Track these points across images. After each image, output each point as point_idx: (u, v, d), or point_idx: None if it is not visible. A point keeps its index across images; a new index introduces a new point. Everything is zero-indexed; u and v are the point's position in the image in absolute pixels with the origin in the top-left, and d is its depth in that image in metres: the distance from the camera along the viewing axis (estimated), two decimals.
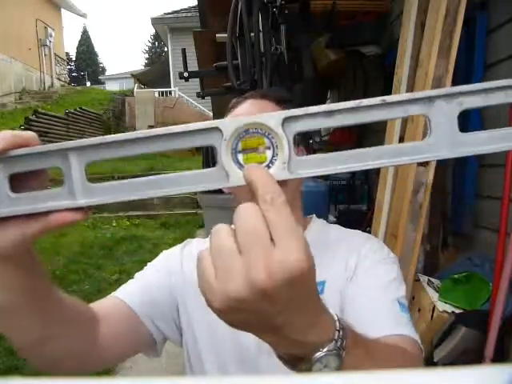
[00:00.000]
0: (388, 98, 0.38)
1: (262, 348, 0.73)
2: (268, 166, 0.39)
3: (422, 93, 0.38)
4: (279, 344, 0.39)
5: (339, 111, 0.38)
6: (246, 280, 0.33)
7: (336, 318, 0.40)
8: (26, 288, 0.50)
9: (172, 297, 0.79)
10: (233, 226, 0.36)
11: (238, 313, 0.35)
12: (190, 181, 0.40)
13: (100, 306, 0.71)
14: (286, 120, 0.39)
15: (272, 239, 0.34)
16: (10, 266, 0.46)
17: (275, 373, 0.72)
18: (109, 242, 5.35)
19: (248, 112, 0.79)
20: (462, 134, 0.38)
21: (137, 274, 0.82)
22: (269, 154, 0.39)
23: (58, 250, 4.89)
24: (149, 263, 0.85)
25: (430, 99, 0.38)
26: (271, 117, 0.39)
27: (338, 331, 0.39)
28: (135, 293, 0.76)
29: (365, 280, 0.72)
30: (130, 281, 0.81)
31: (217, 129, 0.39)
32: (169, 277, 0.80)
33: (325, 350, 0.38)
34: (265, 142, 0.39)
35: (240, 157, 0.39)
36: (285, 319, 0.36)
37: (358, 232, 0.85)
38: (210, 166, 0.42)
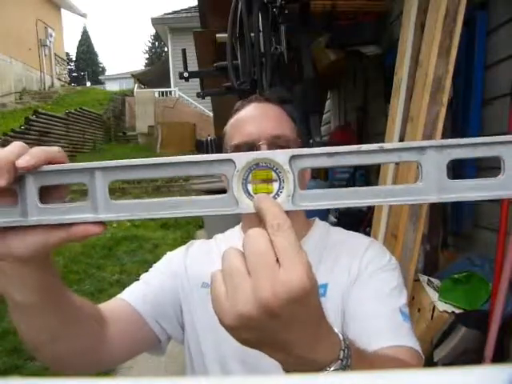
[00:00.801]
0: (385, 146, 0.42)
1: None
2: (274, 197, 0.43)
3: (416, 143, 0.42)
4: (288, 362, 0.41)
5: (340, 154, 0.42)
6: (253, 298, 0.36)
7: (341, 338, 0.42)
8: (43, 288, 0.53)
9: (176, 297, 0.81)
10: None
11: (248, 330, 0.37)
12: (204, 205, 0.44)
13: (106, 307, 0.73)
14: (293, 157, 0.43)
15: (278, 261, 0.36)
16: (31, 267, 0.50)
17: (276, 372, 0.72)
18: (109, 242, 5.35)
19: (252, 114, 0.80)
20: (450, 180, 0.42)
21: (142, 276, 0.84)
22: (276, 186, 0.43)
23: (59, 249, 4.88)
24: (154, 265, 0.87)
25: (422, 149, 0.42)
26: (280, 154, 0.43)
27: (343, 350, 0.41)
28: (140, 295, 0.78)
29: (366, 290, 0.72)
30: (135, 282, 0.83)
31: (230, 160, 0.43)
32: (173, 278, 0.82)
33: (331, 369, 0.40)
34: (273, 175, 0.43)
35: (249, 187, 0.44)
36: (291, 336, 0.38)
37: (360, 236, 0.85)
38: None
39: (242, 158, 0.43)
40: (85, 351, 0.66)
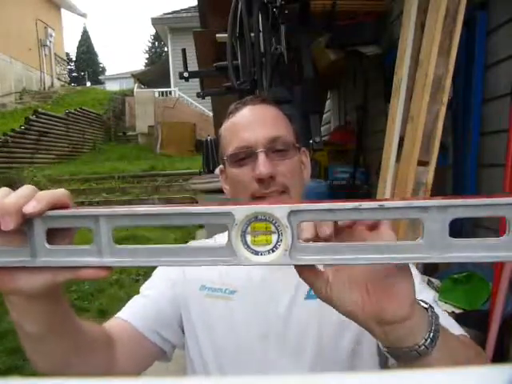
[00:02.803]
0: (386, 204, 0.42)
1: (264, 351, 0.73)
2: (272, 250, 0.44)
3: (418, 202, 0.42)
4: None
5: (340, 210, 0.43)
6: None
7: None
8: (52, 320, 0.56)
9: (175, 305, 0.81)
10: None
11: None
12: (204, 254, 0.45)
13: (108, 327, 0.74)
14: (292, 212, 0.43)
15: None
16: (39, 302, 0.52)
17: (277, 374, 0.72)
18: None
19: (248, 118, 0.78)
20: (452, 239, 0.42)
21: (142, 288, 0.84)
22: (274, 238, 0.44)
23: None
24: (153, 272, 0.87)
25: (424, 208, 0.42)
26: (279, 209, 0.44)
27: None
28: (139, 311, 0.78)
29: None
30: (135, 297, 0.83)
31: (230, 213, 0.44)
32: (171, 286, 0.82)
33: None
34: (271, 227, 0.44)
35: (248, 238, 0.44)
36: None
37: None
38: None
39: (241, 212, 0.44)
40: (94, 373, 0.67)
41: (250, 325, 0.75)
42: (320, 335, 0.72)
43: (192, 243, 0.90)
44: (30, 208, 0.45)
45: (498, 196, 0.41)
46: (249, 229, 0.45)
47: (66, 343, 0.60)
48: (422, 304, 0.50)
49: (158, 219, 0.45)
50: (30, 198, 0.46)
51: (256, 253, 0.45)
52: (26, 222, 0.46)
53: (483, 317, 1.53)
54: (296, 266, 0.47)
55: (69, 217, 0.47)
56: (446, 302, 1.63)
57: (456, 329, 0.63)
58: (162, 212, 0.45)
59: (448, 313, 1.58)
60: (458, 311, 1.58)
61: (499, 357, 1.49)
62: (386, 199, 0.43)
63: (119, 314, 0.78)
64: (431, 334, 0.47)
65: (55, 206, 0.47)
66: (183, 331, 0.81)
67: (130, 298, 0.84)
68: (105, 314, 3.27)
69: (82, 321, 0.63)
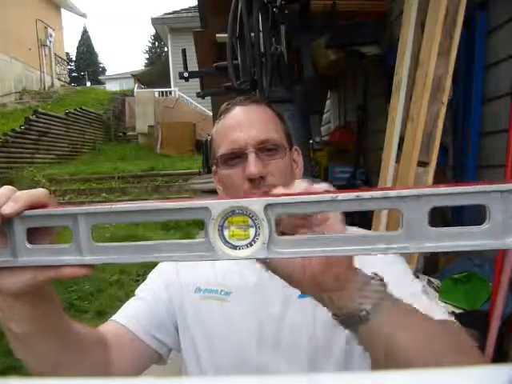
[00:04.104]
0: (362, 195, 0.42)
1: (259, 351, 0.73)
2: (250, 244, 0.44)
3: (395, 192, 0.41)
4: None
5: (317, 202, 0.43)
6: None
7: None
8: (38, 318, 0.56)
9: (170, 308, 0.81)
10: None
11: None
12: (183, 249, 0.46)
13: (103, 330, 0.74)
14: (268, 206, 0.44)
15: None
16: (23, 301, 0.53)
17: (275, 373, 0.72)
18: (109, 242, 5.34)
19: (237, 120, 0.78)
20: (432, 228, 0.42)
21: (137, 291, 0.85)
22: (252, 232, 0.44)
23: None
24: (149, 275, 0.87)
25: (402, 198, 0.41)
26: (255, 202, 0.44)
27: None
28: (134, 314, 0.79)
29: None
30: (130, 299, 0.83)
31: (206, 208, 0.44)
32: (165, 289, 0.82)
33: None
34: (249, 221, 0.44)
35: (226, 232, 0.44)
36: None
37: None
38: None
39: (218, 206, 0.44)
40: (88, 375, 0.67)
41: (244, 325, 0.75)
42: (314, 334, 0.72)
43: None
44: (8, 208, 0.46)
45: (477, 184, 0.40)
46: (226, 223, 0.44)
47: (56, 343, 0.60)
48: (367, 273, 0.52)
49: (136, 216, 0.46)
50: (7, 199, 0.46)
51: (234, 247, 0.44)
52: (6, 222, 0.47)
53: (483, 317, 1.53)
54: None
55: (47, 216, 0.47)
56: (446, 302, 1.63)
57: (440, 316, 0.62)
58: (139, 209, 0.45)
59: (448, 313, 1.58)
60: (458, 311, 1.58)
61: (499, 357, 1.49)
62: (363, 189, 0.43)
63: (114, 317, 0.79)
64: (374, 301, 0.49)
65: (33, 206, 0.47)
66: (178, 331, 0.81)
67: (129, 298, 0.84)
68: (104, 314, 3.27)
69: (74, 322, 0.64)
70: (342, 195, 0.42)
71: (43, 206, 0.48)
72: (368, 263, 0.78)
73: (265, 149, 0.75)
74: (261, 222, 0.44)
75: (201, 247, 0.45)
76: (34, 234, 0.48)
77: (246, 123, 0.77)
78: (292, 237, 0.45)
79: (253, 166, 0.72)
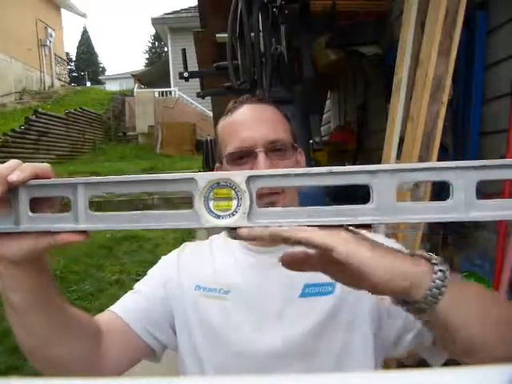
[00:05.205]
0: (334, 169, 0.46)
1: (258, 350, 0.73)
2: (232, 214, 0.48)
3: (366, 166, 0.45)
4: None
5: (294, 175, 0.47)
6: None
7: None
8: (36, 289, 0.59)
9: (166, 305, 0.81)
10: None
11: None
12: (171, 219, 0.49)
13: (99, 320, 0.74)
14: (251, 178, 0.48)
15: None
16: (23, 269, 0.56)
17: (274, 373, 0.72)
18: (109, 242, 5.35)
19: (246, 118, 0.79)
20: (400, 202, 0.45)
21: (135, 285, 0.85)
22: (234, 203, 0.48)
23: (58, 250, 4.89)
24: (148, 271, 0.87)
25: (372, 173, 0.45)
26: (237, 174, 0.48)
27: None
28: (131, 307, 0.79)
29: None
30: (128, 293, 0.83)
31: (193, 179, 0.48)
32: (163, 286, 0.82)
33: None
34: (232, 193, 0.48)
35: (211, 203, 0.48)
36: None
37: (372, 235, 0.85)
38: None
39: (204, 178, 0.48)
40: (77, 359, 0.67)
41: (243, 324, 0.75)
42: (313, 333, 0.72)
43: (189, 244, 0.90)
44: (15, 176, 0.49)
45: (443, 162, 0.43)
46: (211, 195, 0.48)
47: (48, 319, 0.62)
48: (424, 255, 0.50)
49: (130, 186, 0.50)
50: (14, 169, 0.50)
51: (217, 216, 0.48)
52: (12, 191, 0.50)
53: None
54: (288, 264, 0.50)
55: (50, 186, 0.51)
56: None
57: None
58: (132, 179, 0.50)
59: None
60: None
61: None
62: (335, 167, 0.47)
63: (111, 308, 0.79)
64: (438, 284, 0.47)
65: (38, 177, 0.51)
66: (174, 331, 0.81)
67: None
68: None
69: (67, 303, 0.66)
70: (315, 169, 0.46)
71: (46, 177, 0.52)
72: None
73: (274, 149, 0.75)
74: (243, 193, 0.47)
75: (187, 216, 0.49)
76: (37, 206, 0.52)
77: (255, 122, 0.77)
78: (271, 208, 0.48)
79: (262, 165, 0.73)
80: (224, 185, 0.48)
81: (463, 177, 0.43)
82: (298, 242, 0.46)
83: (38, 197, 0.52)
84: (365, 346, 0.74)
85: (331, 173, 0.45)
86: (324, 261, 0.48)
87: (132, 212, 0.50)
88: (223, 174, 0.48)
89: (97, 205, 5.64)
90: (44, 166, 0.52)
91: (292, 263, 0.51)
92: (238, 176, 0.47)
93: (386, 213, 0.45)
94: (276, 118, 0.80)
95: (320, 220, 0.46)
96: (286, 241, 0.46)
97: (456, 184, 0.43)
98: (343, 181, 0.46)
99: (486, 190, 1.68)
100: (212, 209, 0.48)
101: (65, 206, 0.54)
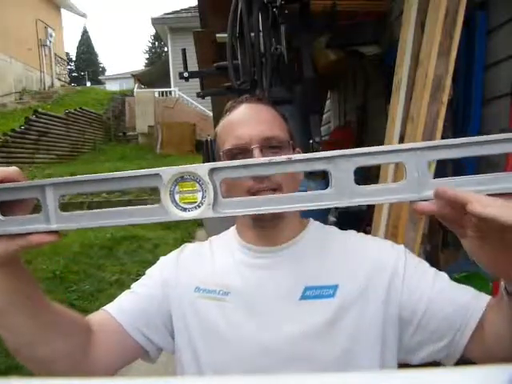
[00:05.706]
0: (293, 157, 0.48)
1: (258, 353, 0.73)
2: (198, 206, 0.50)
3: (323, 153, 0.47)
4: None
5: (255, 165, 0.49)
6: None
7: None
8: (13, 291, 0.59)
9: (163, 306, 0.80)
10: None
11: None
12: (140, 214, 0.51)
13: (92, 318, 0.75)
14: (214, 170, 0.49)
15: None
16: None
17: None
18: (109, 242, 5.35)
19: (244, 116, 0.79)
20: (358, 186, 0.47)
21: (133, 285, 0.84)
22: (199, 196, 0.50)
23: (58, 250, 4.88)
24: (147, 271, 0.87)
25: (329, 159, 0.47)
26: (200, 167, 0.50)
27: None
28: (126, 307, 0.78)
29: (422, 289, 0.73)
30: (124, 292, 0.83)
31: (158, 175, 0.50)
32: (161, 287, 0.81)
33: None
34: (197, 186, 0.49)
35: (177, 197, 0.50)
36: None
37: (373, 239, 0.84)
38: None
39: (168, 172, 0.49)
40: (62, 358, 0.67)
41: (243, 326, 0.75)
42: (313, 335, 0.72)
43: (188, 245, 0.90)
44: None
45: (396, 145, 0.46)
46: (177, 188, 0.50)
47: (30, 320, 0.61)
48: None
49: (97, 185, 0.51)
50: None
51: (184, 209, 0.50)
52: None
53: None
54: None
55: (16, 188, 0.52)
56: None
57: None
58: (100, 178, 0.51)
59: None
60: None
61: None
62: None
63: (106, 307, 0.79)
64: None
65: (4, 181, 0.51)
66: (171, 334, 0.81)
67: None
68: None
69: (55, 304, 0.66)
70: (276, 158, 0.48)
71: (15, 181, 0.52)
72: (368, 248, 0.79)
73: (270, 146, 0.75)
74: (206, 185, 0.49)
75: (155, 211, 0.50)
76: (9, 209, 0.53)
77: (251, 120, 0.78)
78: (236, 198, 0.50)
79: None
80: (188, 178, 0.49)
81: (415, 157, 0.45)
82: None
83: (6, 200, 0.52)
84: (371, 357, 0.73)
85: (291, 161, 0.47)
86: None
87: (101, 210, 0.51)
88: (187, 168, 0.50)
89: (97, 206, 5.64)
90: (12, 170, 0.53)
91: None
92: (201, 169, 0.49)
93: (344, 196, 0.47)
94: (273, 116, 0.80)
95: (284, 207, 0.48)
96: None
97: (409, 165, 0.45)
98: (303, 168, 0.49)
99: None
100: (178, 202, 0.50)
101: (39, 207, 0.54)
